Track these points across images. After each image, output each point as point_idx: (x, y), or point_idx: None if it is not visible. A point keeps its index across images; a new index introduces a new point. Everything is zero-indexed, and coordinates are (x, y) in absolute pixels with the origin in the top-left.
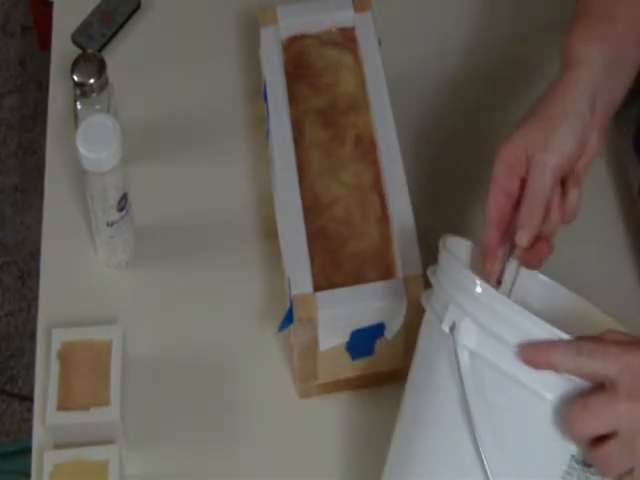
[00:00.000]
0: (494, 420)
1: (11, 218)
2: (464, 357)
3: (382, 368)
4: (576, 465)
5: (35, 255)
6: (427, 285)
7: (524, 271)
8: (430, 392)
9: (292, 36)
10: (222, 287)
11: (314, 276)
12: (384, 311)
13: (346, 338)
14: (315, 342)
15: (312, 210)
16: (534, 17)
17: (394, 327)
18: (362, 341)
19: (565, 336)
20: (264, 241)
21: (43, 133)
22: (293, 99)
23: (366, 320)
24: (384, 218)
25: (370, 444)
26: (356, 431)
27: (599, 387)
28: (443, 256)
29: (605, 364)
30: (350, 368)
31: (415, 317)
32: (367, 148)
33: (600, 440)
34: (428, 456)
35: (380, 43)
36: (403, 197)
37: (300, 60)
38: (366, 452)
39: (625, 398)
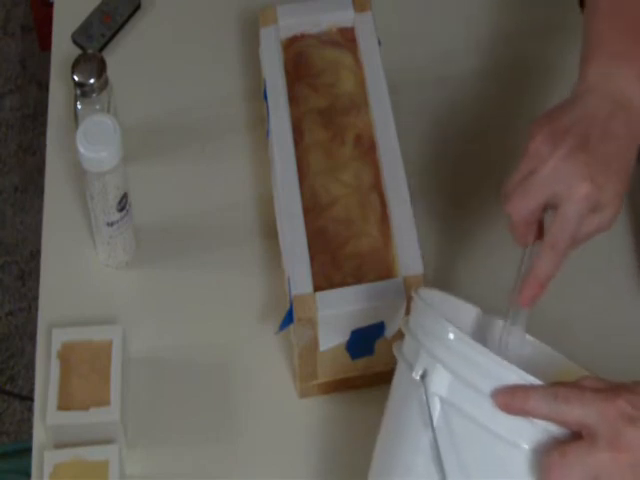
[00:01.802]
0: (466, 469)
1: (11, 218)
2: (435, 405)
3: (382, 368)
4: None
5: (35, 255)
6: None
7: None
8: (402, 440)
9: (292, 36)
10: (222, 287)
11: (314, 276)
12: (384, 311)
13: (346, 338)
14: (315, 342)
15: (312, 210)
16: (534, 16)
17: (394, 327)
18: (362, 341)
19: (538, 382)
20: (264, 241)
21: (43, 133)
22: (293, 99)
23: (366, 320)
24: (384, 218)
25: (370, 444)
26: (356, 431)
27: (576, 435)
28: (416, 304)
29: (583, 411)
30: (350, 368)
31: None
32: (367, 148)
33: None
34: None
35: (380, 43)
36: (403, 197)
37: (300, 60)
38: (366, 452)
39: (605, 447)
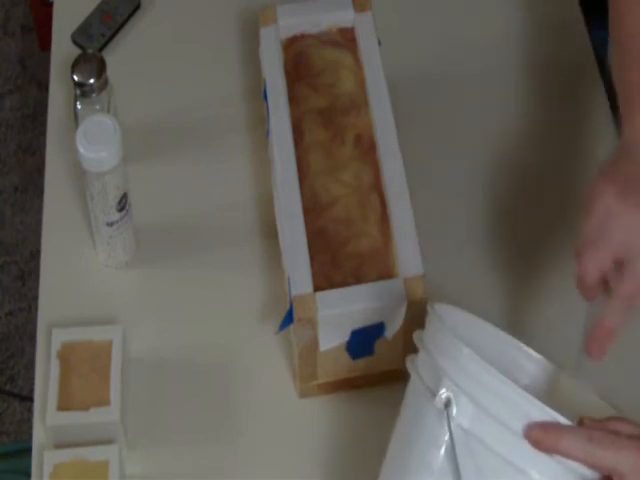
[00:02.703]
0: None
1: (11, 218)
2: (457, 432)
3: (382, 368)
4: None
5: (35, 255)
6: (427, 287)
7: (514, 344)
8: (418, 463)
9: (292, 36)
10: (222, 287)
11: (314, 276)
12: (384, 311)
13: (346, 338)
14: (315, 342)
15: (312, 210)
16: (534, 16)
17: (394, 327)
18: (362, 341)
19: (569, 423)
20: (264, 241)
21: (43, 133)
22: (293, 99)
23: (366, 320)
24: (384, 218)
25: (370, 444)
26: (356, 431)
27: (606, 479)
28: (434, 325)
29: (617, 457)
30: (350, 368)
31: (415, 317)
32: (367, 148)
33: None
34: None
35: (380, 43)
36: (403, 197)
37: (300, 60)
38: (366, 452)
39: None
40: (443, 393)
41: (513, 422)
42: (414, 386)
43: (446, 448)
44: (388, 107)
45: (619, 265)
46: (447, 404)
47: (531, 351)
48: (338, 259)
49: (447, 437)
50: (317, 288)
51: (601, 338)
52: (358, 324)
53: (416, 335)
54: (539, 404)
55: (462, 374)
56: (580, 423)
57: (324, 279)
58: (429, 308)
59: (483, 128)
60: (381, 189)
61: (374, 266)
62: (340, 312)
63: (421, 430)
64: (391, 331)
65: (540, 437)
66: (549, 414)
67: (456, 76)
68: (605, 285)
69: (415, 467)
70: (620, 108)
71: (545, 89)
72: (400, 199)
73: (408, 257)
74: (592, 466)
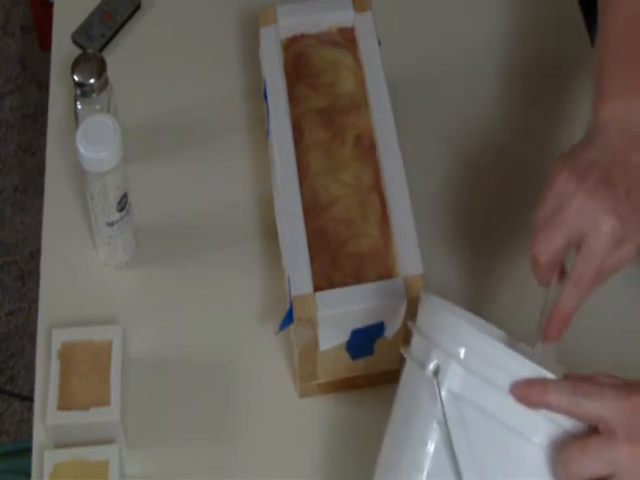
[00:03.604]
0: (479, 464)
1: (11, 218)
2: (448, 400)
3: (382, 368)
4: None
5: (35, 255)
6: (426, 287)
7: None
8: (411, 437)
9: (292, 36)
10: (222, 287)
11: (314, 276)
12: (384, 311)
13: (346, 338)
14: (315, 342)
15: (312, 210)
16: (534, 16)
17: (394, 327)
18: (362, 341)
19: (554, 377)
20: (264, 241)
21: (43, 133)
22: (293, 99)
23: (366, 320)
24: (384, 218)
25: (370, 444)
26: (356, 431)
27: (591, 430)
28: (424, 304)
29: (602, 405)
30: (350, 368)
31: (415, 316)
32: (367, 148)
33: None
34: None
35: (380, 43)
36: (403, 197)
37: (300, 60)
38: (366, 452)
39: (624, 441)
40: (432, 362)
41: (502, 382)
42: (407, 368)
43: (435, 414)
44: (388, 107)
45: (573, 248)
46: (436, 372)
47: (530, 363)
48: (338, 259)
49: (439, 406)
50: (317, 288)
51: (556, 321)
52: (358, 324)
53: (410, 323)
54: (526, 362)
55: (450, 340)
56: (565, 379)
57: (324, 279)
58: (420, 294)
59: (483, 128)
60: (381, 189)
61: (374, 266)
62: (340, 312)
63: (412, 402)
64: (391, 331)
65: (526, 392)
66: (535, 371)
67: (456, 76)
68: (561, 269)
69: (406, 438)
70: (594, 90)
71: (545, 89)
72: (400, 199)
73: (408, 257)
74: (578, 417)
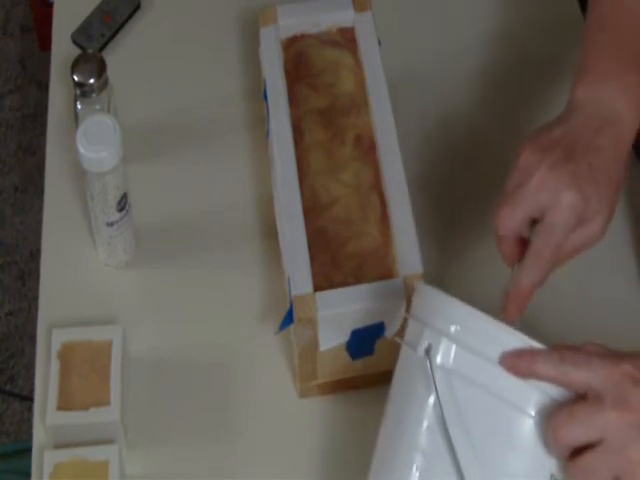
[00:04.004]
0: (472, 437)
1: (11, 218)
2: (440, 377)
3: (382, 368)
4: None
5: (35, 255)
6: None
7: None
8: (407, 417)
9: (292, 36)
10: (222, 287)
11: (314, 276)
12: (384, 311)
13: (346, 338)
14: (315, 342)
15: (312, 210)
16: (534, 16)
17: (394, 327)
18: (362, 341)
19: (543, 347)
20: (264, 241)
21: (43, 133)
22: (293, 99)
23: (366, 320)
24: (384, 218)
25: (370, 444)
26: (356, 431)
27: (580, 398)
28: (417, 292)
29: (589, 373)
30: (350, 368)
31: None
32: (367, 148)
33: (581, 451)
34: (406, 477)
35: (380, 43)
36: (403, 197)
37: (300, 60)
38: (366, 452)
39: (611, 407)
40: (424, 342)
41: (493, 353)
42: (402, 354)
43: (429, 392)
44: (388, 107)
45: (535, 222)
46: (428, 350)
47: (520, 334)
48: (338, 259)
49: (432, 384)
50: (317, 288)
51: (515, 298)
52: (358, 324)
53: (405, 313)
54: (516, 333)
55: (442, 319)
56: (553, 349)
57: (324, 279)
58: (414, 284)
59: (483, 128)
60: (381, 189)
61: (374, 266)
62: (340, 312)
63: (407, 384)
64: (391, 331)
65: (515, 362)
66: (525, 341)
67: (456, 76)
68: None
69: (402, 419)
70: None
71: (545, 89)
72: (400, 199)
73: (408, 257)
74: (566, 385)
